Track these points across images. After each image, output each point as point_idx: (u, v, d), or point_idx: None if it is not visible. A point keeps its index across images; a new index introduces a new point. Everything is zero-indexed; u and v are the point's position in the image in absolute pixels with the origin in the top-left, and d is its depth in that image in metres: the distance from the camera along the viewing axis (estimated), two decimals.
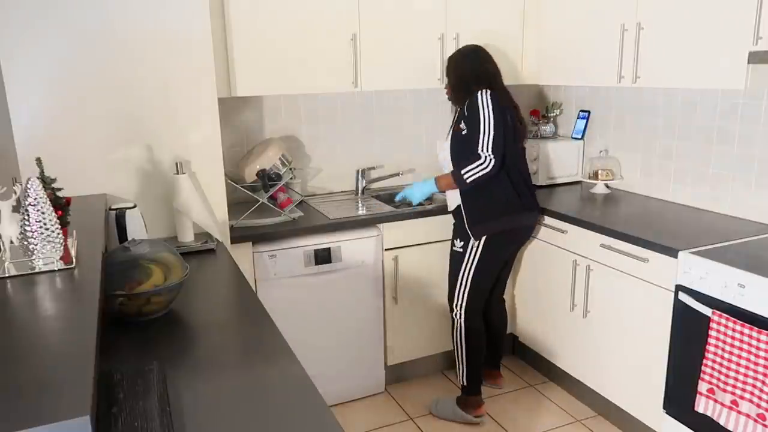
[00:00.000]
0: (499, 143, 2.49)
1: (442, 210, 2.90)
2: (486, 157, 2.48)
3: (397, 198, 2.86)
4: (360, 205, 3.07)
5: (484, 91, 2.54)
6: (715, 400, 2.07)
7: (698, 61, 2.35)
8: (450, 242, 2.78)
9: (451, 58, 2.74)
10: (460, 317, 2.74)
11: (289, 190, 3.03)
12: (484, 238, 2.61)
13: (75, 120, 2.12)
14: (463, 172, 2.52)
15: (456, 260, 2.72)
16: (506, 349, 3.32)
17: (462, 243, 2.68)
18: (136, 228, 2.05)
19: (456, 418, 2.80)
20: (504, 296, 3.02)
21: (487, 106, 2.50)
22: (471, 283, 2.68)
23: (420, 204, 2.89)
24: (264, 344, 1.51)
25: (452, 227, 2.77)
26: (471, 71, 2.64)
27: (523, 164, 2.71)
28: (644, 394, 2.46)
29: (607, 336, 2.61)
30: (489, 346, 3.02)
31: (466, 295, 2.70)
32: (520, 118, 2.69)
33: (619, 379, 2.59)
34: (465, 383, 2.80)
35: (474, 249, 2.64)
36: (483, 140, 2.49)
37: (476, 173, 2.50)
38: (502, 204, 2.60)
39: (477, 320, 2.76)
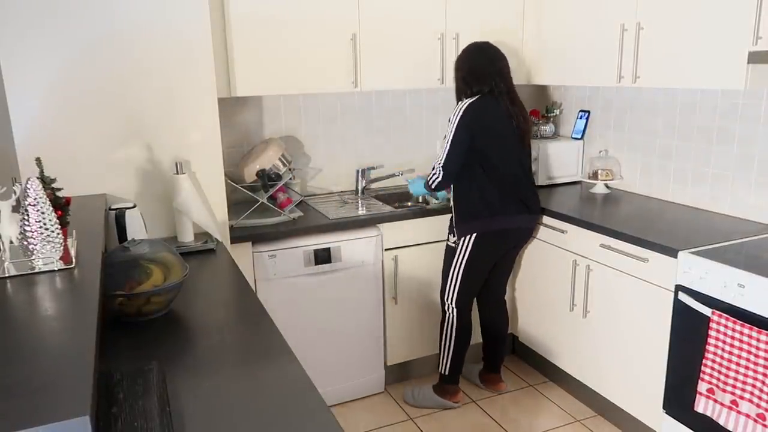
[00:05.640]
0: (452, 160, 2.58)
1: (442, 210, 2.92)
2: (438, 170, 2.62)
3: (411, 188, 2.87)
4: (360, 205, 3.07)
5: (465, 102, 2.58)
6: (715, 400, 2.07)
7: (698, 61, 2.35)
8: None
9: (459, 55, 2.74)
10: (452, 311, 2.78)
11: (288, 190, 3.03)
12: (474, 235, 2.64)
13: (75, 120, 2.12)
14: (428, 178, 2.69)
15: (449, 254, 2.78)
16: (506, 350, 3.32)
17: (455, 238, 2.73)
18: (135, 228, 2.06)
19: (435, 405, 2.88)
20: (505, 299, 3.01)
21: (455, 122, 2.57)
22: (461, 278, 2.71)
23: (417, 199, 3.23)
24: (264, 344, 1.51)
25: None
26: (469, 73, 2.65)
27: (517, 166, 2.65)
28: (644, 394, 2.46)
29: (607, 336, 2.61)
30: (489, 350, 3.03)
31: (457, 289, 2.74)
32: (521, 120, 2.64)
33: (619, 379, 2.59)
34: (446, 373, 2.86)
35: (465, 245, 2.67)
36: (442, 154, 2.61)
37: (433, 181, 2.65)
38: (483, 206, 2.62)
39: (467, 315, 2.81)
